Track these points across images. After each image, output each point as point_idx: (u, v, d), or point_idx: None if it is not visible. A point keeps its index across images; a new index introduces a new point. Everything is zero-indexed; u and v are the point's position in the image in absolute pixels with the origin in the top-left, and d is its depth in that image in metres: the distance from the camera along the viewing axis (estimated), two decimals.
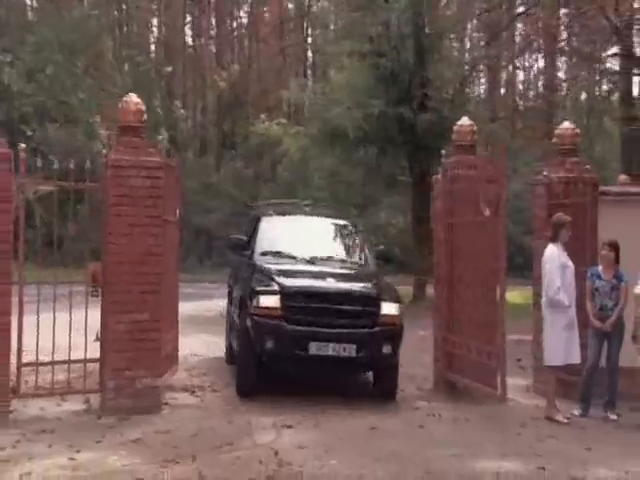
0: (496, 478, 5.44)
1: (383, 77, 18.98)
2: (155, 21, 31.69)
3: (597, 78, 28.73)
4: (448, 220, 8.60)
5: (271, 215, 10.18)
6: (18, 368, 7.12)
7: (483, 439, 6.57)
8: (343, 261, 9.27)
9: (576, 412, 7.63)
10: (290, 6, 36.48)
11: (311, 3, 32.79)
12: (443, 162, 8.95)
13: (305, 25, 35.06)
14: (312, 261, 8.87)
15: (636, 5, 16.20)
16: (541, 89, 36.06)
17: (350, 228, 10.25)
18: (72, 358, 7.43)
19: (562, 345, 7.44)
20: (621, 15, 17.20)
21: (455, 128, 8.96)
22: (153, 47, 33.61)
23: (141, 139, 7.62)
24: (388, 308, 8.05)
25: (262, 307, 7.94)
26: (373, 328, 7.93)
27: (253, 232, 9.63)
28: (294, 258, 8.94)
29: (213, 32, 35.13)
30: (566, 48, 25.37)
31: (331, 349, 7.78)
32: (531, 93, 39.22)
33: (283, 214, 10.44)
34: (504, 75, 31.95)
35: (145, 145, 7.62)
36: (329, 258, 9.11)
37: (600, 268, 7.82)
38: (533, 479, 5.48)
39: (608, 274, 7.76)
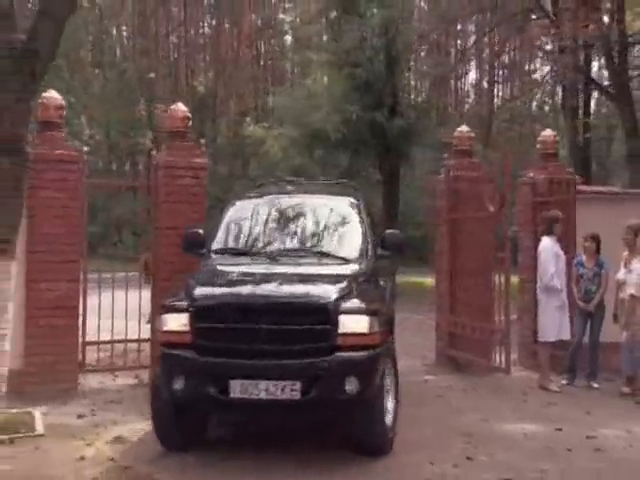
0: (527, 438, 5.80)
1: (358, 85, 19.25)
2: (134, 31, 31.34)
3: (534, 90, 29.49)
4: (452, 216, 8.93)
5: (243, 199, 6.93)
6: (83, 346, 7.29)
7: (498, 406, 6.93)
8: (322, 255, 5.96)
9: (563, 382, 8.07)
10: (261, 18, 36.44)
11: (284, 14, 32.83)
12: (445, 164, 9.26)
13: (273, 35, 35.24)
14: (275, 258, 5.85)
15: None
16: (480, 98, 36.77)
17: (349, 208, 6.62)
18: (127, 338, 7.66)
19: (555, 324, 7.87)
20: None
21: (455, 134, 9.30)
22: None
23: (188, 142, 7.80)
24: (352, 323, 5.00)
25: (167, 331, 5.17)
26: (329, 354, 4.94)
27: (216, 224, 6.60)
28: (254, 255, 5.99)
29: (189, 40, 35.02)
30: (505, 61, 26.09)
31: (263, 389, 4.91)
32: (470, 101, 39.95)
33: (260, 196, 6.90)
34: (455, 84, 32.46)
35: (191, 148, 7.80)
36: (302, 252, 6.01)
37: (584, 257, 8.27)
38: (556, 438, 5.80)
39: (590, 263, 8.21)
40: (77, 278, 7.01)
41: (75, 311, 7.01)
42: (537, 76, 27.11)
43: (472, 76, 33.80)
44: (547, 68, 22.37)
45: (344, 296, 5.12)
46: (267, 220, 6.39)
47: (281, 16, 33.60)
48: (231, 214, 6.55)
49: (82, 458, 5.08)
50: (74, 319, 7.00)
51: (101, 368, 7.56)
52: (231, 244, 6.29)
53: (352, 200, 6.75)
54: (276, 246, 6.06)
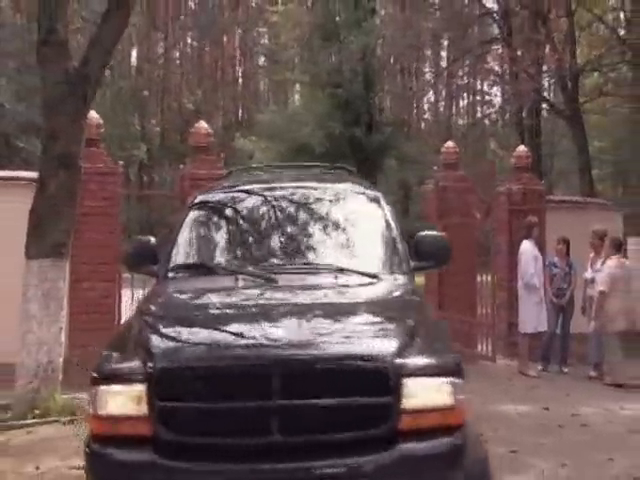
0: (521, 417, 6.06)
1: (339, 104, 19.57)
2: (134, 52, 31.23)
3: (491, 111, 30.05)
4: (440, 222, 9.19)
5: (210, 193, 4.25)
6: None
7: (489, 390, 7.13)
8: (339, 271, 3.45)
9: (539, 367, 8.37)
10: (241, 42, 36.49)
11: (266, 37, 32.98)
12: (434, 176, 9.51)
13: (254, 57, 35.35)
14: (272, 278, 3.30)
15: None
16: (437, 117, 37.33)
17: (366, 202, 4.08)
18: None
19: (534, 317, 8.17)
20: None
21: (442, 149, 9.56)
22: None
23: (210, 156, 7.94)
24: (424, 391, 2.68)
25: (104, 417, 2.69)
26: (388, 448, 2.59)
27: (175, 230, 4.05)
28: (238, 274, 3.42)
29: (180, 60, 34.95)
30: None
31: None
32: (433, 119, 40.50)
33: (235, 188, 4.26)
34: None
35: (214, 161, 7.94)
36: (310, 268, 3.54)
37: (556, 259, 8.59)
38: (546, 416, 6.05)
39: (562, 263, 8.54)
40: (114, 278, 7.11)
41: (112, 307, 7.10)
42: (494, 98, 27.69)
43: (433, 97, 34.35)
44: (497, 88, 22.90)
45: (402, 344, 2.71)
46: (252, 222, 3.89)
47: (262, 41, 33.81)
48: (196, 215, 3.96)
49: None
50: (113, 314, 7.09)
51: None
52: (200, 257, 3.74)
53: (368, 190, 4.18)
54: (270, 260, 3.56)
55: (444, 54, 25.79)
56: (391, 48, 19.87)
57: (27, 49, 27.26)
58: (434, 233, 4.07)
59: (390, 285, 3.48)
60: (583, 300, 8.44)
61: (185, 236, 3.88)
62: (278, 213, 3.90)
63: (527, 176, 9.54)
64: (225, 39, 34.04)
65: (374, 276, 3.46)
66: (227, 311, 3.15)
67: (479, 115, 30.04)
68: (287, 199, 4.02)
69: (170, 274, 3.65)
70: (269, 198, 4.00)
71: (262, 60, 35.06)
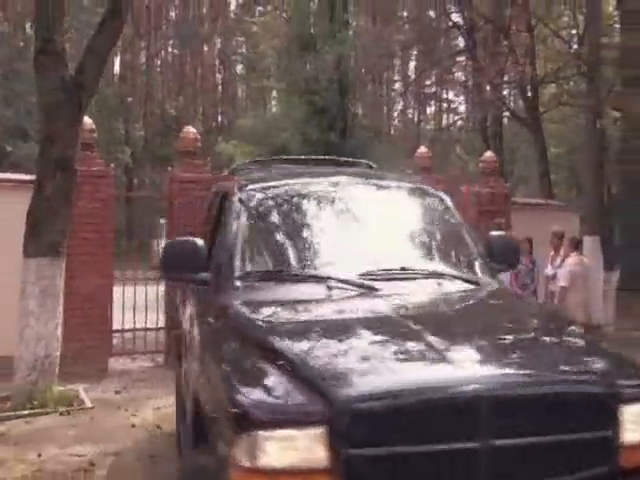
0: None
1: (315, 110, 19.62)
2: (118, 60, 30.87)
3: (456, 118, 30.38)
4: None
5: (254, 188, 3.38)
6: (110, 333, 7.36)
7: None
8: (438, 277, 2.92)
9: None
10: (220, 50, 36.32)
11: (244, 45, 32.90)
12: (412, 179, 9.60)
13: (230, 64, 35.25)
14: (369, 286, 2.73)
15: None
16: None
17: (434, 201, 3.50)
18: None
19: None
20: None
21: (416, 154, 9.68)
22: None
23: (197, 160, 7.95)
24: None
25: (269, 471, 1.90)
26: None
27: (217, 229, 3.36)
28: (323, 281, 2.77)
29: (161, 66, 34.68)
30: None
31: None
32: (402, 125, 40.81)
33: (281, 182, 3.47)
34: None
35: (201, 165, 7.96)
36: (404, 274, 2.88)
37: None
38: None
39: (526, 260, 8.71)
40: (107, 275, 7.09)
41: (106, 303, 7.09)
42: (459, 106, 28.01)
43: (402, 105, 34.59)
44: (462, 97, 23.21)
45: (606, 365, 2.28)
46: (325, 221, 3.22)
47: (240, 50, 33.70)
48: (247, 213, 3.19)
49: (133, 426, 5.22)
50: (105, 310, 7.07)
51: (126, 352, 7.64)
52: (276, 262, 3.02)
53: (433, 190, 3.62)
54: (356, 264, 2.88)
55: (413, 64, 26.04)
56: (364, 58, 19.98)
57: (15, 55, 26.93)
58: (505, 234, 3.77)
59: (500, 293, 3.11)
60: (545, 295, 8.64)
61: (243, 237, 3.06)
62: (352, 211, 3.23)
63: (494, 179, 9.73)
64: (205, 48, 33.86)
65: (475, 282, 2.99)
66: (374, 330, 2.41)
67: (446, 122, 30.36)
68: (356, 196, 3.34)
69: (237, 283, 2.83)
70: (333, 195, 3.31)
71: (240, 68, 34.98)
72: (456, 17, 19.93)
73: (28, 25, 28.09)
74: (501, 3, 17.74)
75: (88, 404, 5.73)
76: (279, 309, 2.69)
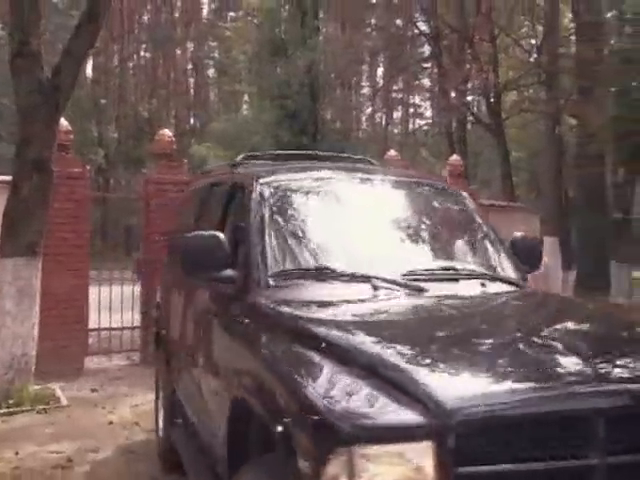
0: None
1: (287, 114, 19.62)
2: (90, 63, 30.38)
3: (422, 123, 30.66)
4: None
5: (276, 180, 3.07)
6: (86, 332, 7.25)
7: None
8: (482, 277, 2.82)
9: None
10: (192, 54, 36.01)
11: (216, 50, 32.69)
12: None
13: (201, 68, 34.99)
14: (415, 287, 2.54)
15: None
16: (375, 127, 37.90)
17: (463, 201, 3.39)
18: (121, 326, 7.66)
19: None
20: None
21: (386, 157, 9.75)
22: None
23: (173, 162, 7.88)
24: None
25: None
26: None
27: (233, 224, 3.05)
28: (366, 279, 2.55)
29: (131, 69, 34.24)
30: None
31: None
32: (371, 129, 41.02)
33: (296, 173, 3.26)
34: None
35: (176, 167, 7.89)
36: (448, 274, 2.77)
37: None
38: None
39: None
40: (83, 275, 6.99)
41: (82, 303, 6.98)
42: (425, 111, 28.30)
43: (371, 109, 34.81)
44: (428, 102, 23.49)
45: None
46: (356, 216, 2.98)
47: (212, 55, 33.47)
48: (271, 206, 2.91)
49: (111, 423, 5.16)
50: (81, 309, 6.97)
51: (102, 351, 7.53)
52: (313, 260, 2.71)
53: (454, 190, 3.55)
54: (397, 264, 2.70)
55: (381, 70, 26.22)
56: (334, 64, 20.06)
57: None
58: (528, 236, 3.54)
59: (543, 294, 3.08)
60: None
61: (273, 233, 2.76)
62: (383, 208, 3.08)
63: (461, 182, 9.85)
64: (178, 52, 33.54)
65: (515, 284, 2.88)
66: (457, 334, 2.18)
67: (412, 126, 30.64)
68: (384, 192, 3.20)
69: (272, 281, 2.58)
70: (362, 190, 3.15)
71: (212, 72, 34.74)
72: (422, 25, 20.15)
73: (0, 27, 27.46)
74: (465, 13, 18.00)
75: (64, 402, 5.65)
76: (334, 309, 2.38)
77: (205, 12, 35.08)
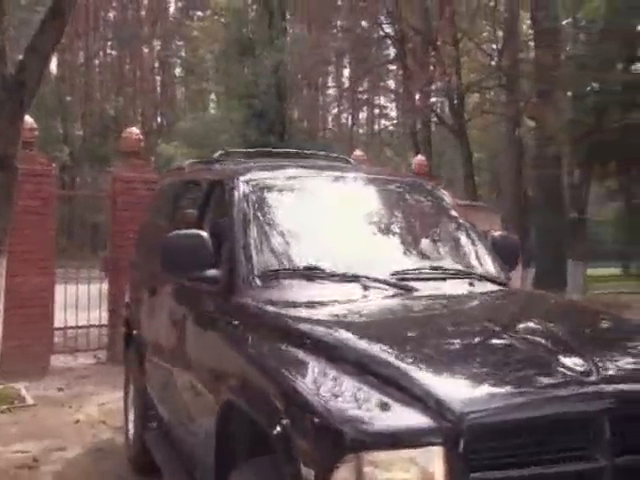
0: None
1: (255, 113, 19.54)
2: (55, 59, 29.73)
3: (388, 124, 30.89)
4: None
5: (259, 178, 2.95)
6: (52, 331, 7.09)
7: None
8: (468, 276, 2.73)
9: None
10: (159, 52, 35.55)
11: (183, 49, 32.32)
12: None
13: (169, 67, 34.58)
14: (405, 287, 2.47)
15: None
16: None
17: (443, 199, 3.33)
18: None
19: None
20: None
21: (352, 157, 9.77)
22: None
23: (140, 160, 7.77)
24: None
25: None
26: None
27: (221, 223, 2.79)
28: (355, 279, 2.45)
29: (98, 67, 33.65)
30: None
31: None
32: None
33: (278, 170, 3.15)
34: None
35: (144, 165, 7.79)
36: (436, 273, 2.68)
37: None
38: None
39: None
40: (49, 273, 6.84)
41: (47, 301, 6.83)
42: (390, 112, 28.52)
43: (337, 110, 34.92)
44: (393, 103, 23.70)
45: None
46: (342, 215, 2.87)
47: (179, 53, 33.10)
48: (256, 204, 2.79)
49: (77, 421, 5.07)
50: (47, 308, 6.82)
51: (68, 349, 7.39)
52: (301, 259, 2.58)
53: (433, 187, 3.48)
54: (385, 264, 2.62)
55: (347, 71, 26.33)
56: (301, 64, 20.06)
57: None
58: (508, 235, 3.46)
59: (530, 293, 2.82)
60: None
61: (258, 232, 2.65)
62: (370, 207, 2.99)
63: (432, 181, 10.01)
64: (145, 50, 33.06)
65: (501, 283, 2.81)
66: (458, 335, 2.13)
67: (378, 127, 30.83)
68: (370, 191, 3.11)
69: (258, 281, 2.47)
70: (345, 188, 3.09)
71: (179, 71, 34.36)
72: (387, 28, 20.28)
73: None
74: (429, 17, 18.18)
75: (30, 402, 5.52)
76: (326, 309, 2.29)
77: (172, 10, 34.69)
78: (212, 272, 2.55)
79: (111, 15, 33.80)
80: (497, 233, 3.39)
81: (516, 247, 3.30)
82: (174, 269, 2.61)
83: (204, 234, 2.60)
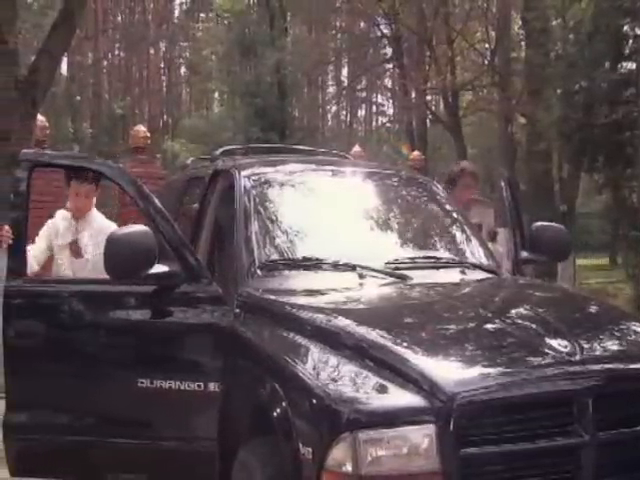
0: None
1: (257, 112, 19.55)
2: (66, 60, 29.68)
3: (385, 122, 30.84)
4: None
5: (259, 172, 2.93)
6: None
7: None
8: (462, 265, 2.69)
9: None
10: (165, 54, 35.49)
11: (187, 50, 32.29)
12: None
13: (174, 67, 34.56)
14: (400, 275, 2.45)
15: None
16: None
17: (433, 190, 3.24)
18: None
19: None
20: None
21: (351, 153, 9.78)
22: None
23: (147, 157, 7.81)
24: None
25: (373, 475, 1.59)
26: None
27: (223, 217, 2.86)
28: (351, 268, 2.43)
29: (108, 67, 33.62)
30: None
31: None
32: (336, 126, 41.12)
33: (279, 165, 3.13)
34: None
35: (151, 161, 7.82)
36: (429, 262, 2.68)
37: None
38: None
39: None
40: None
41: None
42: (387, 109, 28.50)
43: (336, 108, 34.90)
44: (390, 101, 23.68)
45: None
46: (337, 207, 2.84)
47: (184, 54, 33.07)
48: (255, 197, 2.76)
49: None
50: None
51: None
52: (300, 250, 2.60)
53: (426, 180, 3.46)
54: (380, 253, 2.61)
55: (346, 70, 26.31)
56: (301, 64, 20.04)
57: None
58: (555, 225, 3.09)
59: (520, 280, 2.84)
60: None
61: (257, 223, 2.63)
62: (366, 200, 2.97)
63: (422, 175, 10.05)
64: (152, 51, 33.02)
65: (492, 271, 2.76)
66: (453, 319, 2.15)
67: (375, 124, 30.82)
68: (367, 184, 3.09)
69: (259, 272, 2.43)
70: (343, 182, 3.06)
71: (184, 71, 34.34)
72: (384, 28, 20.24)
73: None
74: (424, 17, 18.14)
75: None
76: (325, 297, 2.31)
77: (177, 13, 34.62)
78: (163, 268, 2.36)
79: (119, 18, 33.77)
80: (541, 223, 3.04)
81: (566, 237, 2.97)
82: (119, 273, 2.35)
83: (148, 230, 2.40)
